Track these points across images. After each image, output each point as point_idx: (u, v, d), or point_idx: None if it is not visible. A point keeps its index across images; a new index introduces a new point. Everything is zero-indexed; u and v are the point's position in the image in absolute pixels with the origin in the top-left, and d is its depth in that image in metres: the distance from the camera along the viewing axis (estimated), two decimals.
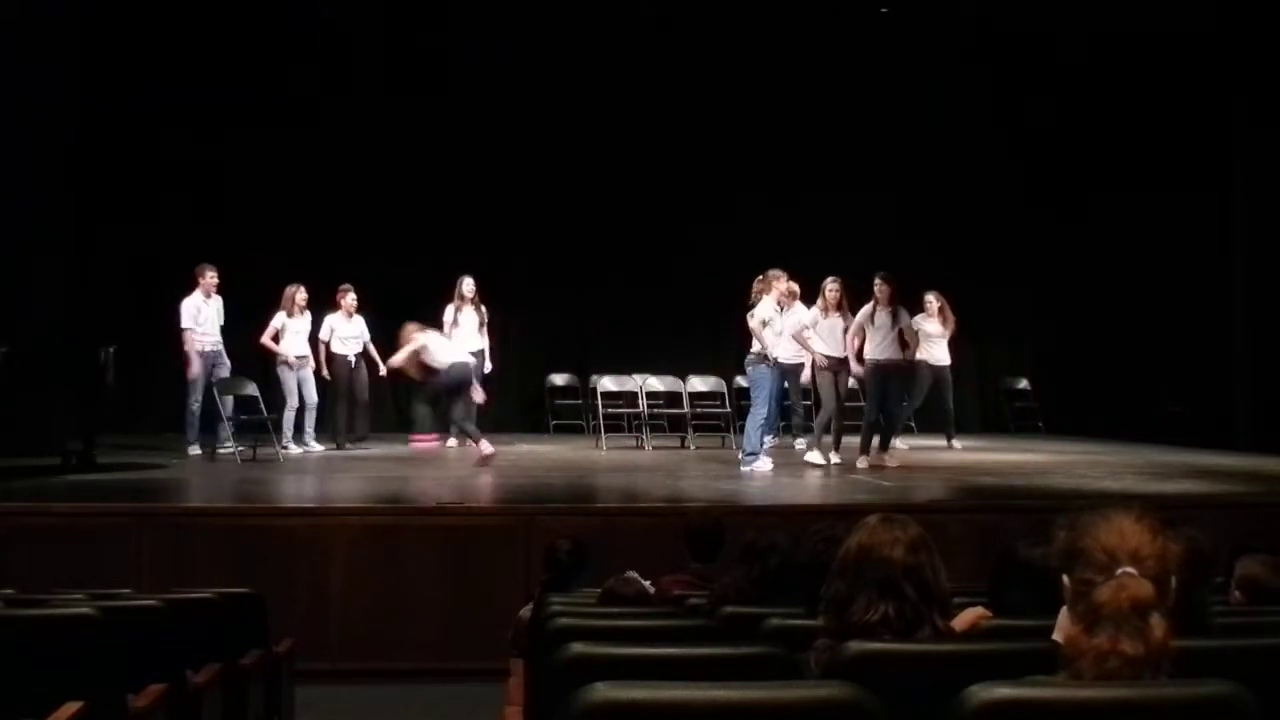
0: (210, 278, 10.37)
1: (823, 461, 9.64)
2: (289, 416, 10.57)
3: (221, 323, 10.50)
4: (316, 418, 10.90)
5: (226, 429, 10.14)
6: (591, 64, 12.99)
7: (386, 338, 11.19)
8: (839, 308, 9.68)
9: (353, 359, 11.06)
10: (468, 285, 11.34)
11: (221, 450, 10.16)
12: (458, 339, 11.15)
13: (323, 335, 11.02)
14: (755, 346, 9.60)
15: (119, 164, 12.22)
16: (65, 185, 11.63)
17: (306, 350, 10.77)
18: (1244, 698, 1.99)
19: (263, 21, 12.43)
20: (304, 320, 10.77)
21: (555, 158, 13.03)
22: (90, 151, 11.87)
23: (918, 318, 11.64)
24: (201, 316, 10.30)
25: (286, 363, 10.61)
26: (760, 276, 9.69)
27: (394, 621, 6.76)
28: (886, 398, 9.64)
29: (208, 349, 10.32)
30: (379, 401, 12.07)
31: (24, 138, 10.51)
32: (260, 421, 10.19)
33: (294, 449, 10.57)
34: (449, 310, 11.29)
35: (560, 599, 4.40)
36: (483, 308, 11.45)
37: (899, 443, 10.67)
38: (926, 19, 13.06)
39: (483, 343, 11.38)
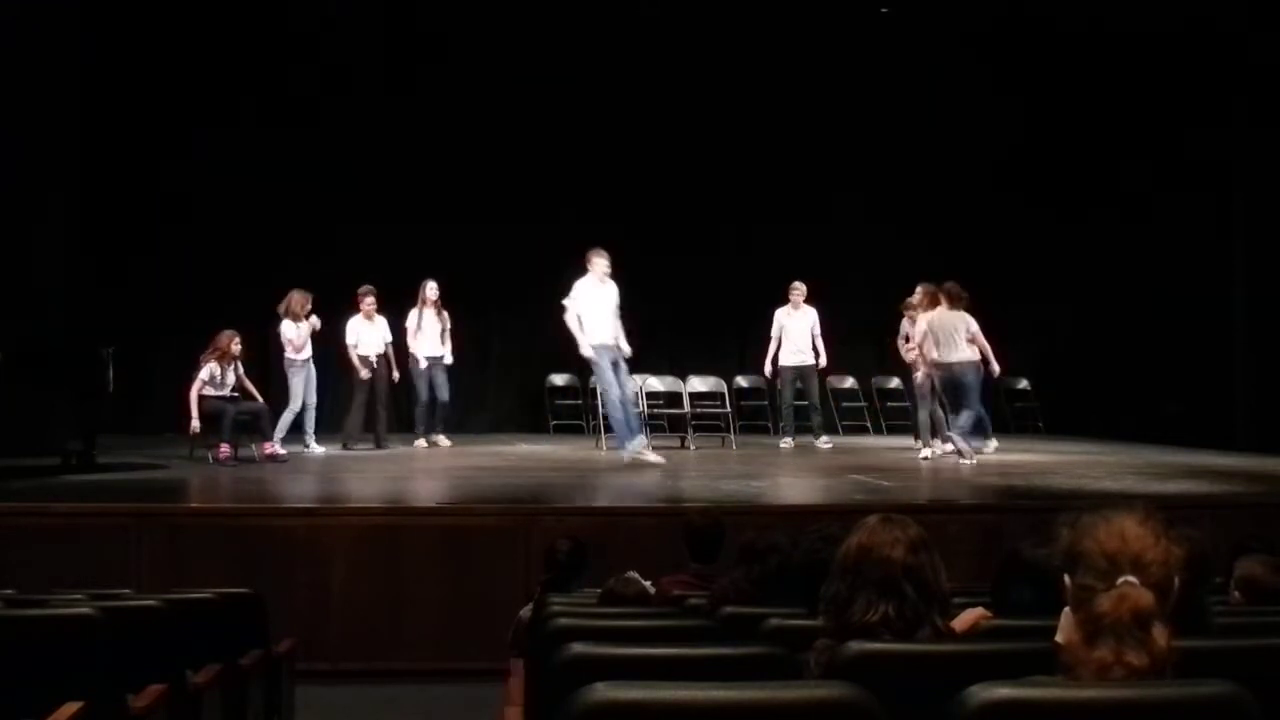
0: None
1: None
2: (286, 418, 10.45)
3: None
4: (320, 418, 10.87)
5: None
6: (592, 63, 12.96)
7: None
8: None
9: (374, 360, 11.05)
10: (431, 289, 11.30)
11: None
12: (420, 343, 11.17)
13: (348, 339, 11.02)
14: None
15: (119, 163, 12.20)
16: (66, 185, 11.62)
17: (309, 353, 10.72)
18: (1244, 698, 1.98)
19: (262, 18, 12.41)
20: (305, 324, 10.67)
21: (556, 159, 12.99)
22: (90, 152, 11.85)
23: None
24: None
25: (294, 363, 10.57)
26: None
27: (394, 621, 6.75)
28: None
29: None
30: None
31: (25, 138, 10.50)
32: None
33: (317, 448, 10.58)
34: (412, 315, 11.26)
35: (560, 599, 4.40)
36: (445, 313, 11.39)
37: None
38: (927, 18, 13.04)
39: (444, 349, 11.36)
